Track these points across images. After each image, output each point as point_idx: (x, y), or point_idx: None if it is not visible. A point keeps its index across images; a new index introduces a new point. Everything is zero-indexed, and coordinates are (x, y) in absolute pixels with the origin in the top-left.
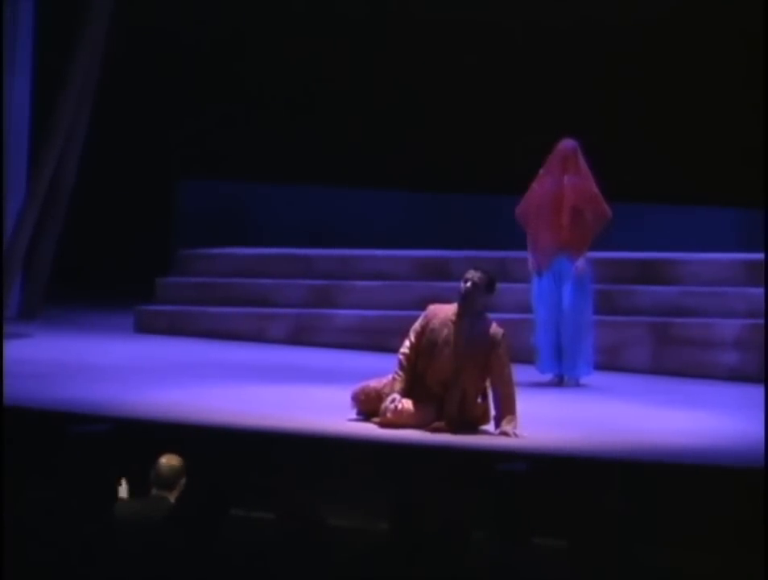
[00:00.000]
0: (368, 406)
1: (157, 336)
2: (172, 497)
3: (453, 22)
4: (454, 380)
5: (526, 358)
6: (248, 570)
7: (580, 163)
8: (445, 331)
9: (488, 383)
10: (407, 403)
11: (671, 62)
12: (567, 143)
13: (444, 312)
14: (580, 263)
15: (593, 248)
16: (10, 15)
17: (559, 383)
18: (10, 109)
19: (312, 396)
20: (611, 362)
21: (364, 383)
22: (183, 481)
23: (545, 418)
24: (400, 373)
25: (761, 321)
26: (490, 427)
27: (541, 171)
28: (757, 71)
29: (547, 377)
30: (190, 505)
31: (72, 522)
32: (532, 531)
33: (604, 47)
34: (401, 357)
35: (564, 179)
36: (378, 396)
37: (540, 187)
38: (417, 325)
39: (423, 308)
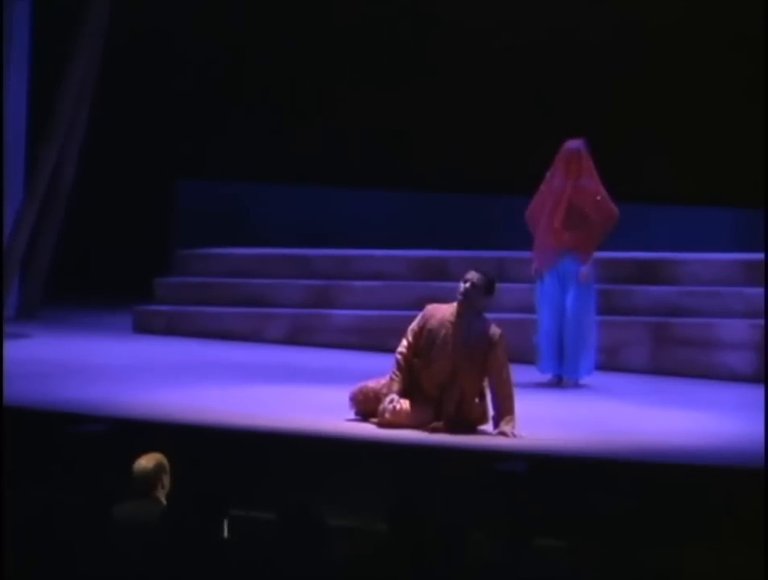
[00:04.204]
0: (366, 406)
1: (155, 336)
2: (161, 496)
3: (454, 23)
4: (452, 380)
5: (525, 359)
6: (247, 570)
7: (584, 164)
8: (443, 331)
9: (486, 384)
10: (405, 404)
11: (672, 63)
12: (571, 144)
13: (442, 312)
14: (585, 269)
15: (598, 249)
16: (8, 14)
17: (558, 383)
18: (8, 108)
19: (311, 397)
20: (610, 362)
21: (362, 384)
22: (165, 478)
23: (544, 418)
24: (398, 373)
25: (761, 321)
26: (489, 427)
27: (548, 173)
28: (758, 71)
29: (547, 377)
30: (186, 506)
31: (72, 522)
32: (532, 531)
33: (604, 48)
34: (398, 357)
35: (569, 180)
36: (376, 397)
37: (547, 189)
38: (415, 325)
39: (421, 308)
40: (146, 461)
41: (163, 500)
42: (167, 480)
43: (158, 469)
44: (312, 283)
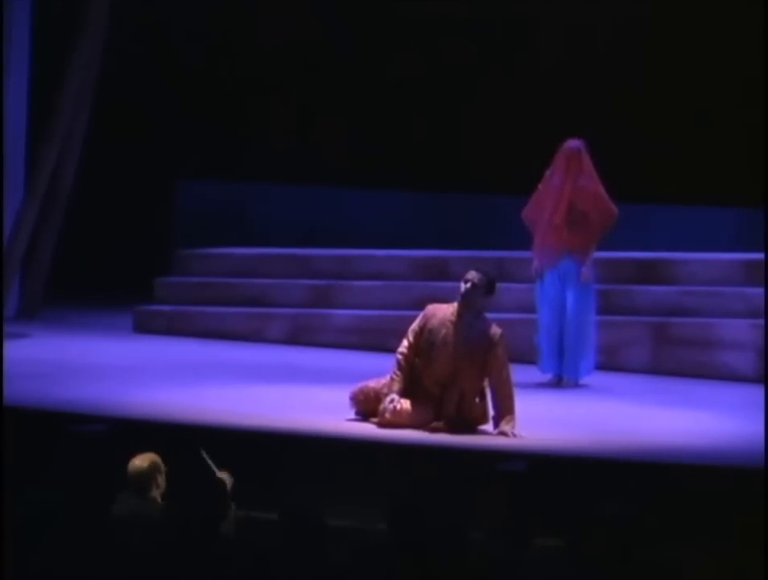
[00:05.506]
0: (366, 406)
1: (156, 336)
2: (157, 496)
3: (453, 21)
4: (452, 380)
5: (526, 358)
6: (247, 570)
7: (584, 164)
8: (443, 331)
9: (486, 383)
10: (406, 404)
11: (672, 62)
12: (571, 144)
13: (443, 311)
14: (586, 269)
15: (597, 248)
16: (8, 14)
17: (558, 383)
18: (8, 108)
19: (311, 396)
20: (610, 362)
21: (362, 384)
22: (160, 478)
23: (544, 418)
24: (398, 373)
25: (761, 321)
26: (489, 427)
27: (547, 172)
28: (758, 71)
29: (547, 377)
30: (186, 506)
31: (72, 522)
32: (532, 531)
33: (605, 47)
34: (399, 357)
35: (569, 179)
36: (377, 397)
37: (545, 188)
38: (415, 325)
39: (421, 308)
40: (141, 461)
41: (159, 500)
42: (161, 480)
43: (153, 468)
44: (312, 283)
